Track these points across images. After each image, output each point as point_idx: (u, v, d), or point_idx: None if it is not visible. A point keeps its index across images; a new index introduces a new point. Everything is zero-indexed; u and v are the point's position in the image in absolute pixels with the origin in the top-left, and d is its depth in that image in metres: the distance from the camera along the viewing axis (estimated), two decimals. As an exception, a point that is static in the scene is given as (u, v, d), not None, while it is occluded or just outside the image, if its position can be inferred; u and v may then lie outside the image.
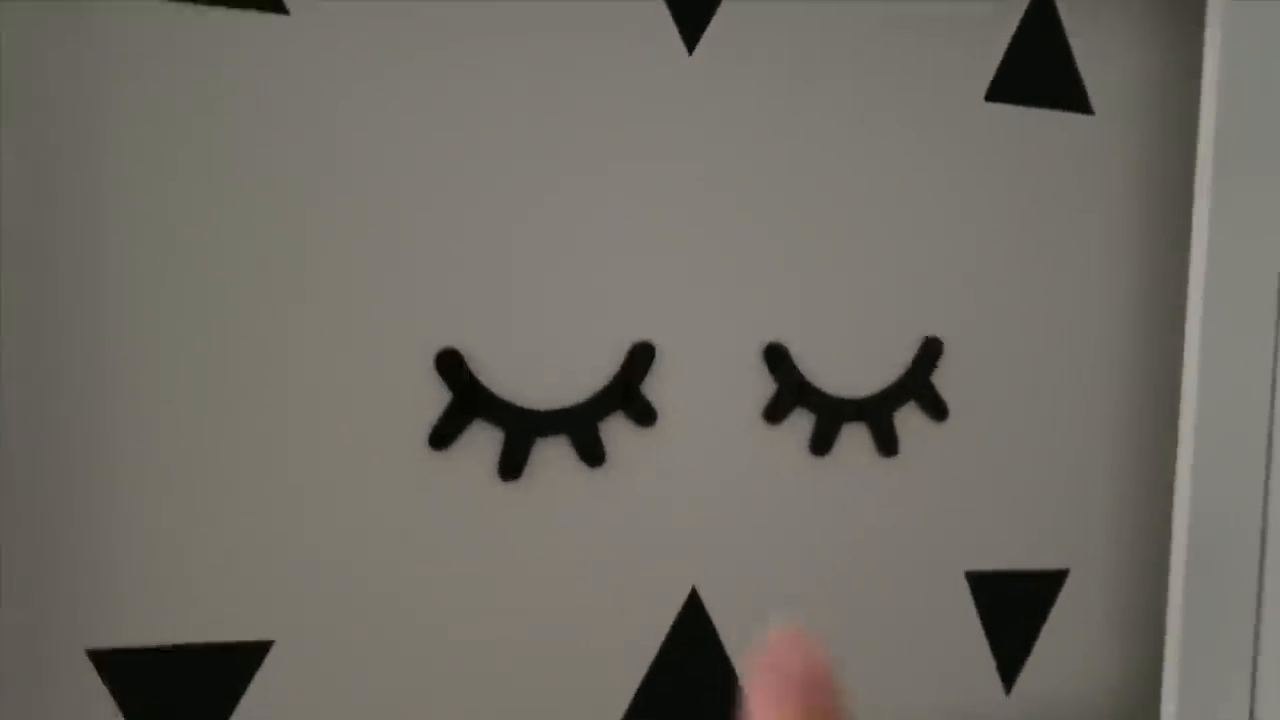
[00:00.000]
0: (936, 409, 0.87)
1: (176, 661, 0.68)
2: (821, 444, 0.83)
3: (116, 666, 0.67)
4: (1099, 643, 0.94)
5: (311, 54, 0.69)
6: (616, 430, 0.77)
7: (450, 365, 0.73)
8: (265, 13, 0.68)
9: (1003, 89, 0.88)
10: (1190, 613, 0.86)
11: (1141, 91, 0.92)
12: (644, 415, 0.78)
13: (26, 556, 0.65)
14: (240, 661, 0.69)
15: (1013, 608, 0.90)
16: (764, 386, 0.81)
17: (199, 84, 0.67)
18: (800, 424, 0.83)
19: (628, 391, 0.77)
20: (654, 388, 0.78)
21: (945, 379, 0.87)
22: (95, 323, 0.65)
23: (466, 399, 0.73)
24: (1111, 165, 0.91)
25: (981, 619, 0.89)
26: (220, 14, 0.67)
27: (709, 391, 0.80)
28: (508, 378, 0.74)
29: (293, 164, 0.69)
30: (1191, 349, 0.86)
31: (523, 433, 0.75)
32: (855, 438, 0.85)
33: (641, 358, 0.77)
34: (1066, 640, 0.92)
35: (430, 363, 0.72)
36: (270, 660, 0.70)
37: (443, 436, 0.73)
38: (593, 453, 0.76)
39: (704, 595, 0.81)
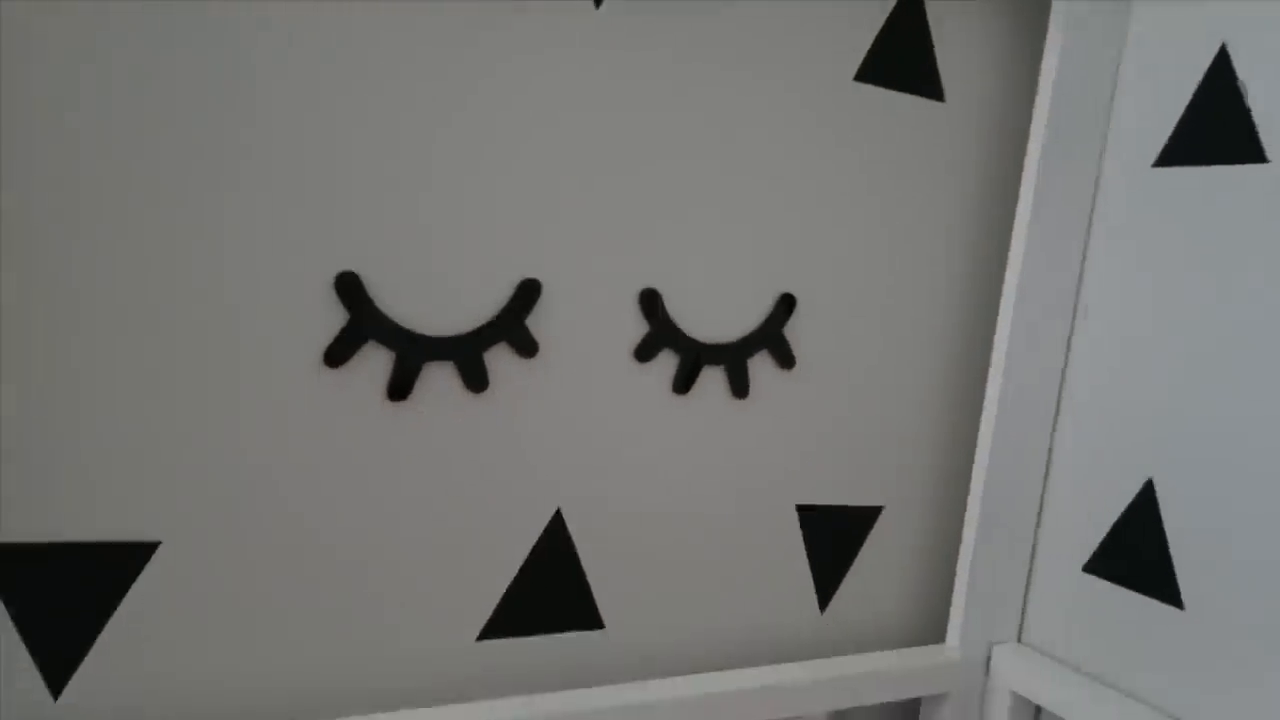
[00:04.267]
0: (785, 358, 0.96)
1: (62, 558, 0.69)
2: (682, 383, 0.91)
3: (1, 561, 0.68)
4: (903, 571, 1.07)
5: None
6: (500, 359, 0.82)
7: (349, 287, 0.75)
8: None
9: (870, 71, 0.96)
10: (978, 551, 1.00)
11: (987, 86, 1.02)
12: (526, 346, 0.83)
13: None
14: (126, 561, 0.71)
15: (833, 537, 1.02)
16: (636, 327, 0.88)
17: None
18: (665, 364, 0.90)
19: (513, 323, 0.82)
20: (538, 322, 0.83)
21: (795, 332, 0.96)
22: (-9, 218, 0.65)
23: (362, 319, 0.76)
24: (956, 150, 1.02)
25: (806, 546, 1.00)
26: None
27: (587, 328, 0.86)
28: (402, 303, 0.78)
29: (204, 96, 0.69)
30: (1003, 323, 0.98)
31: (413, 356, 0.79)
32: (712, 380, 0.93)
33: (528, 293, 0.82)
34: (876, 568, 1.05)
35: (330, 283, 0.75)
36: (156, 561, 0.72)
37: (337, 354, 0.76)
38: (477, 379, 0.81)
39: (567, 516, 0.87)
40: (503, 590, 0.86)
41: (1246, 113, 0.89)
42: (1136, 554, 0.95)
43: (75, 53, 0.65)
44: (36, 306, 0.66)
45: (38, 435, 0.68)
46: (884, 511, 1.04)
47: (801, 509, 0.99)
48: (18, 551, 0.68)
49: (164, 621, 0.73)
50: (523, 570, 0.86)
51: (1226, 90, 0.91)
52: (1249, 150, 0.88)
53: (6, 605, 0.68)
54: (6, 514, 0.67)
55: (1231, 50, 0.91)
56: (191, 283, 0.71)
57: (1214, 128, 0.92)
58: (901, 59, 0.97)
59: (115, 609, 0.72)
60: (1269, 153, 0.87)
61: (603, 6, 0.82)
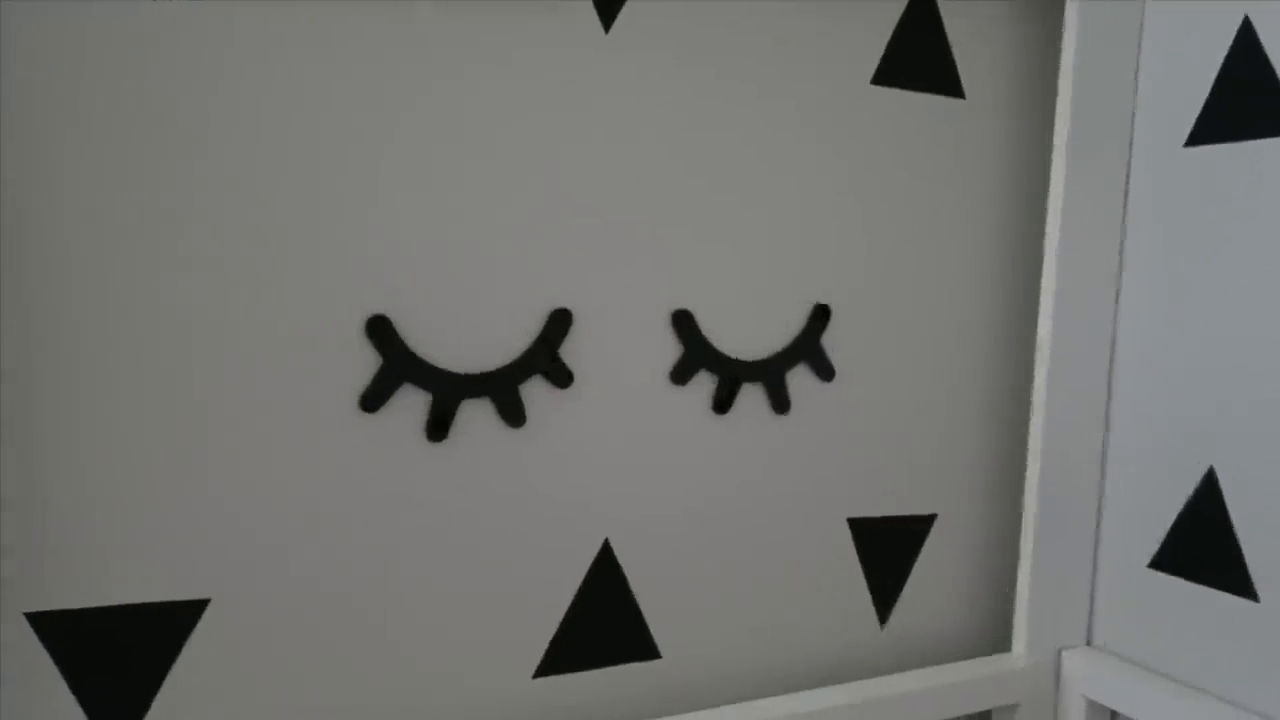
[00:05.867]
0: (824, 370, 0.94)
1: (114, 621, 0.69)
2: (722, 403, 0.90)
3: (54, 628, 0.68)
4: (962, 580, 1.04)
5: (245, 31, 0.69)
6: (536, 392, 0.82)
7: (380, 330, 0.75)
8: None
9: (887, 74, 0.95)
10: (1039, 554, 0.98)
11: (1007, 80, 1.01)
12: (561, 378, 0.82)
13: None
14: (178, 620, 0.71)
15: (888, 550, 1.00)
16: (671, 350, 0.87)
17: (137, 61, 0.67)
18: (703, 384, 0.89)
19: (547, 354, 0.81)
20: (571, 351, 0.83)
21: (832, 342, 0.94)
22: (19, 294, 0.65)
23: (396, 363, 0.76)
24: (980, 146, 1.00)
25: (860, 561, 0.98)
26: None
27: (621, 355, 0.85)
28: (434, 342, 0.78)
29: (241, 139, 0.70)
30: (1045, 319, 0.96)
31: (448, 395, 0.78)
32: (752, 397, 0.91)
33: (559, 323, 0.82)
34: (934, 578, 1.02)
35: (361, 328, 0.75)
36: (207, 617, 0.72)
37: (373, 399, 0.76)
38: (514, 413, 0.81)
39: (615, 546, 0.86)
40: (556, 626, 0.85)
41: (1278, 84, 0.87)
42: (1204, 547, 0.92)
43: (107, 108, 0.66)
44: (81, 370, 0.67)
45: (83, 501, 0.68)
46: (938, 519, 1.02)
47: (853, 522, 0.97)
48: (70, 617, 0.68)
49: (219, 676, 0.73)
50: (574, 604, 0.85)
51: (1254, 63, 0.89)
52: (1284, 122, 0.86)
53: (62, 671, 0.68)
54: (57, 581, 0.68)
55: (1255, 21, 0.89)
56: (225, 337, 0.71)
57: (1244, 102, 0.90)
58: (918, 59, 0.96)
59: (170, 669, 0.72)
60: (1306, 123, 0.85)
61: (611, 30, 0.82)
